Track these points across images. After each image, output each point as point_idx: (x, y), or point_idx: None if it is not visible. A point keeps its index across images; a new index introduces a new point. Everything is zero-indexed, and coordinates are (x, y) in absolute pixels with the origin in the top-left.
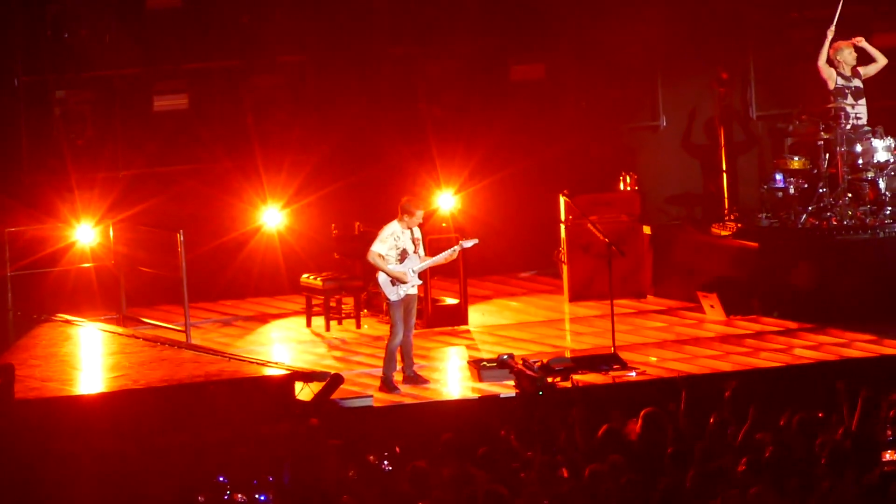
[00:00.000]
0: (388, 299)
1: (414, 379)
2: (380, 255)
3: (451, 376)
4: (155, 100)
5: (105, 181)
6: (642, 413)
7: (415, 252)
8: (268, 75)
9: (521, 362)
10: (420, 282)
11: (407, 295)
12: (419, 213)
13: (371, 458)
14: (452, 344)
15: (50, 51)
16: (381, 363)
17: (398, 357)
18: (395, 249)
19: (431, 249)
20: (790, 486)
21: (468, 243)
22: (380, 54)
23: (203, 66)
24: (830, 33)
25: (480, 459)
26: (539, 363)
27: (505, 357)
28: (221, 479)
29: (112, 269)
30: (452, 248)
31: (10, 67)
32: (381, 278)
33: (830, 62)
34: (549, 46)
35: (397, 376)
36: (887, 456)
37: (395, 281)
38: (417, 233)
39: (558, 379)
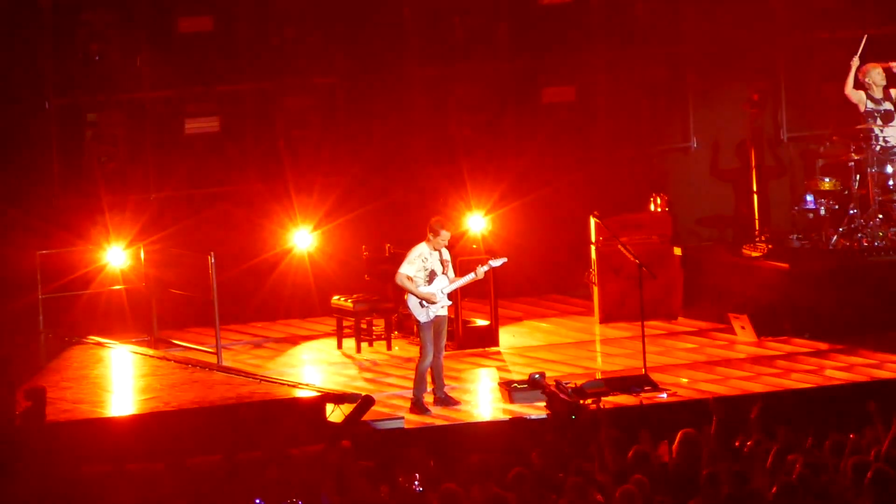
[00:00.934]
0: (418, 321)
1: (445, 401)
2: (408, 277)
3: (481, 398)
4: (186, 122)
5: (136, 203)
6: (679, 434)
7: (443, 273)
8: (299, 97)
9: (553, 384)
10: (449, 303)
11: (437, 316)
12: (445, 234)
13: (401, 479)
14: (483, 365)
15: (81, 73)
16: (411, 385)
17: (429, 379)
18: (424, 271)
19: (461, 271)
20: None
21: (497, 262)
22: (410, 76)
23: (234, 88)
24: (855, 63)
25: (511, 482)
26: (572, 385)
27: (536, 376)
28: (258, 501)
29: (143, 291)
30: (481, 268)
31: (41, 90)
32: (411, 300)
33: (861, 84)
34: (581, 69)
35: (428, 398)
36: None
37: (425, 302)
38: (446, 254)
39: (591, 402)
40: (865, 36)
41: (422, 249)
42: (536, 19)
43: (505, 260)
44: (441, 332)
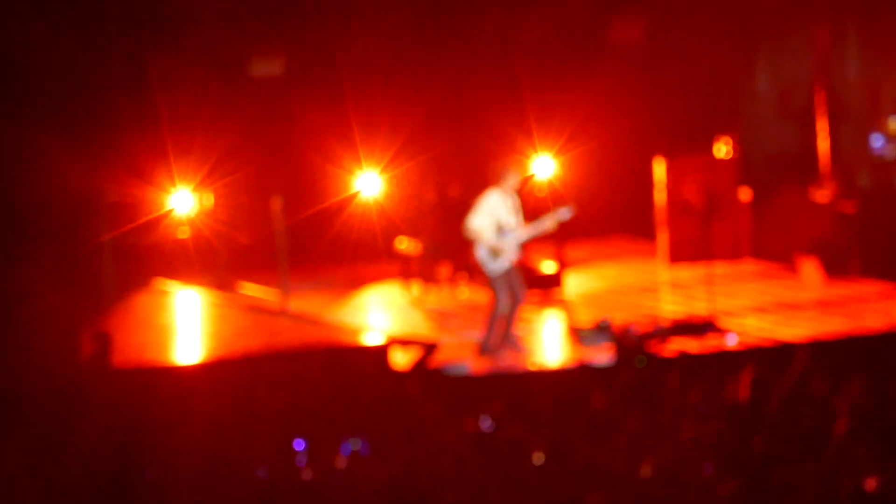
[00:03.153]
0: (488, 271)
1: (513, 346)
2: (478, 228)
3: (549, 343)
4: (252, 65)
5: (202, 147)
6: (747, 377)
7: (514, 221)
8: (363, 38)
9: (620, 330)
10: (519, 253)
11: (507, 267)
12: (517, 175)
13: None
14: (550, 310)
15: (148, 14)
16: (477, 330)
17: (498, 324)
18: (493, 220)
19: (528, 219)
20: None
21: (566, 214)
22: (477, 16)
23: (300, 32)
24: None
25: (579, 427)
26: (638, 330)
27: (604, 323)
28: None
29: (209, 235)
30: (551, 219)
31: (107, 30)
32: (480, 251)
33: None
34: (649, 9)
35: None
36: None
37: (496, 253)
38: (516, 200)
39: (657, 344)
40: None
41: (493, 198)
42: None
43: (573, 211)
44: (514, 282)
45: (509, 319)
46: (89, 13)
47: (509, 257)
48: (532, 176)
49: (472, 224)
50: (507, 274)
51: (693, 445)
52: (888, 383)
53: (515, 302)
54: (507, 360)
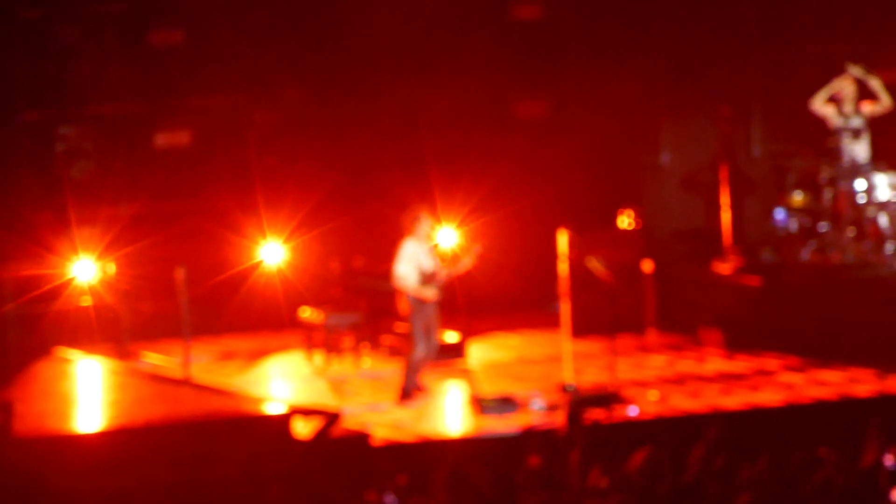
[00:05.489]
0: (412, 314)
1: (420, 388)
2: (403, 275)
3: (451, 412)
4: (157, 136)
5: (106, 217)
6: (643, 451)
7: (433, 264)
8: (270, 111)
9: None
10: (438, 295)
11: (431, 311)
12: (427, 220)
13: (370, 494)
14: (453, 379)
15: (53, 87)
16: (380, 400)
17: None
18: (415, 266)
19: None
20: None
21: (478, 250)
22: (382, 89)
23: (205, 101)
24: (834, 82)
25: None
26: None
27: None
28: None
29: (112, 305)
30: (467, 257)
31: (12, 103)
32: (407, 295)
33: (832, 100)
34: (554, 83)
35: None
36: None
37: (419, 296)
38: (430, 245)
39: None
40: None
41: (410, 247)
42: (510, 34)
43: (480, 248)
44: (431, 327)
45: (422, 365)
46: None
47: (433, 298)
48: (436, 245)
49: (398, 272)
50: (428, 319)
51: None
52: (789, 457)
53: (431, 348)
54: (413, 427)
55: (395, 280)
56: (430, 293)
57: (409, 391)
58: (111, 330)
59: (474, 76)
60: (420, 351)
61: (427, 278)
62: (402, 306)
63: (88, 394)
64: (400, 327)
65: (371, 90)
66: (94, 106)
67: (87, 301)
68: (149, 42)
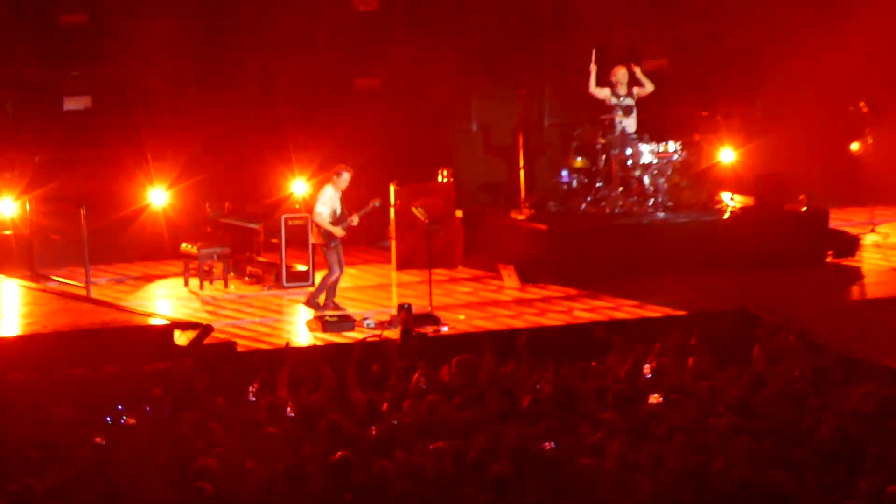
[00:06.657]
0: (325, 246)
1: (334, 306)
2: (319, 213)
3: (300, 328)
4: (65, 100)
5: (23, 164)
6: (455, 360)
7: (342, 210)
8: (156, 80)
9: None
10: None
11: (339, 244)
12: (346, 176)
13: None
14: (302, 302)
15: None
16: (244, 317)
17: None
18: (330, 208)
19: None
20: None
21: (377, 203)
22: (247, 64)
23: (104, 71)
24: (592, 68)
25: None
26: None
27: (377, 203)
28: (119, 407)
29: (27, 236)
30: (368, 207)
31: None
32: (322, 230)
33: (608, 82)
34: (385, 63)
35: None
36: (651, 399)
37: (332, 233)
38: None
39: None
40: (594, 49)
41: (329, 191)
42: (351, 22)
43: (379, 202)
44: (340, 257)
45: (334, 287)
46: None
47: (341, 235)
48: (291, 195)
49: (316, 210)
50: (338, 250)
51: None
52: (568, 369)
53: (340, 272)
54: (269, 339)
55: (313, 216)
56: (339, 231)
57: (314, 301)
58: (26, 256)
59: (322, 55)
60: (333, 274)
61: (338, 219)
62: (315, 238)
63: (7, 307)
64: (261, 258)
65: (237, 64)
66: (14, 72)
67: (7, 232)
68: (59, 22)
